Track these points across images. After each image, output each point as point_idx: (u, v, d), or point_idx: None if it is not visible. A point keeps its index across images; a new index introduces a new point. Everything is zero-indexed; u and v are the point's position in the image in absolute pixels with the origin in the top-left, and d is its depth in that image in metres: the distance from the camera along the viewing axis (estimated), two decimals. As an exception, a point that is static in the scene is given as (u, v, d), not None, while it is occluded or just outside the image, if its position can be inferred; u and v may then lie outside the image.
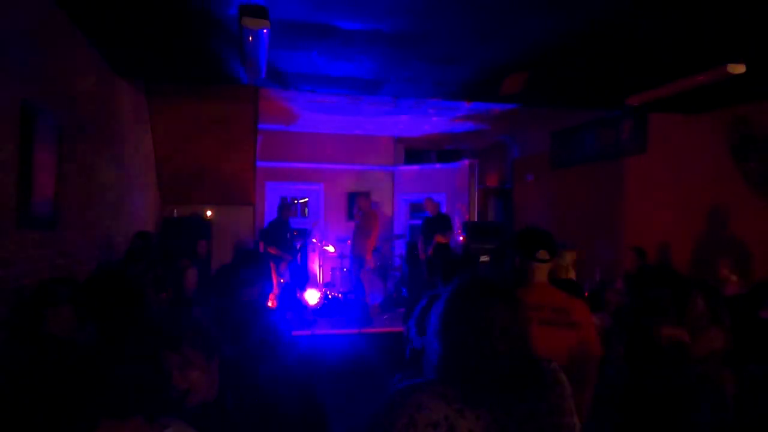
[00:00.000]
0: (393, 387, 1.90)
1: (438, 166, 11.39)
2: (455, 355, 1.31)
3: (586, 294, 5.98)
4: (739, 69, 4.26)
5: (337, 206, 10.74)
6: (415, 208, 11.07)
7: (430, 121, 9.18)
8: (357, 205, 8.29)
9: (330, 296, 8.63)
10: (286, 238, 7.79)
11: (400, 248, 10.44)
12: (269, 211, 10.46)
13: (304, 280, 8.30)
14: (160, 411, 1.45)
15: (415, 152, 11.89)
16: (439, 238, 7.81)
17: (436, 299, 1.46)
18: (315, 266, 9.72)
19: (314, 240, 9.11)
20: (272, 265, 6.79)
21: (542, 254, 2.27)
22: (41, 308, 2.41)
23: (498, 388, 1.27)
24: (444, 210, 10.56)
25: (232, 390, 1.98)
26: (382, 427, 1.26)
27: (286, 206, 8.16)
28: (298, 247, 8.23)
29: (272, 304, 4.71)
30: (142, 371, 1.46)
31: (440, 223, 8.09)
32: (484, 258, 8.12)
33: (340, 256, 9.44)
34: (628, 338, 3.75)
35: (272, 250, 7.46)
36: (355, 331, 7.12)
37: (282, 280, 7.08)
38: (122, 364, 1.42)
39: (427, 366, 1.37)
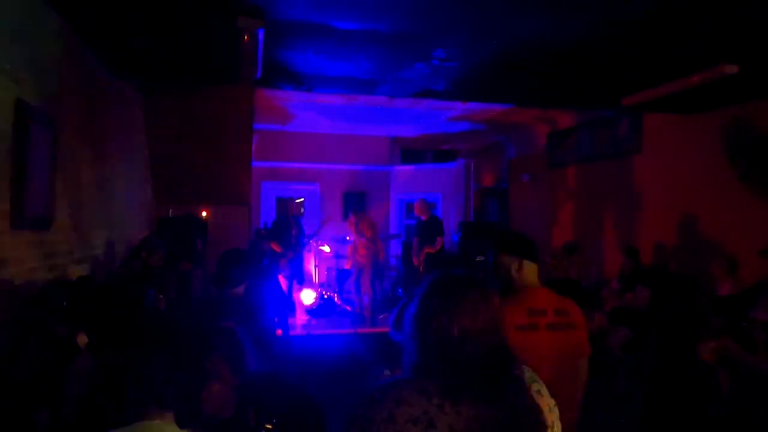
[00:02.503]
0: (375, 380, 1.89)
1: (434, 166, 11.39)
2: (432, 351, 1.31)
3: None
4: (733, 69, 4.29)
5: (333, 206, 10.72)
6: (411, 208, 11.06)
7: (426, 121, 9.18)
8: (355, 214, 8.21)
9: (326, 296, 8.62)
10: (289, 235, 7.85)
11: (395, 248, 10.43)
12: (265, 211, 10.44)
13: (300, 278, 8.31)
14: (188, 415, 1.40)
15: (411, 152, 11.88)
16: (428, 249, 7.83)
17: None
18: (311, 266, 9.70)
19: (316, 240, 9.10)
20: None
21: (533, 256, 2.30)
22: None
23: (477, 384, 1.26)
24: (440, 209, 10.55)
25: (253, 407, 1.93)
26: (361, 422, 1.26)
27: (291, 204, 8.21)
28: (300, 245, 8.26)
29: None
30: (186, 368, 1.42)
31: (432, 227, 8.07)
32: (479, 258, 8.13)
33: (336, 256, 9.43)
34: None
35: (275, 246, 7.51)
36: (351, 331, 7.12)
37: (281, 277, 7.09)
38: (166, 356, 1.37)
39: (407, 362, 1.36)
